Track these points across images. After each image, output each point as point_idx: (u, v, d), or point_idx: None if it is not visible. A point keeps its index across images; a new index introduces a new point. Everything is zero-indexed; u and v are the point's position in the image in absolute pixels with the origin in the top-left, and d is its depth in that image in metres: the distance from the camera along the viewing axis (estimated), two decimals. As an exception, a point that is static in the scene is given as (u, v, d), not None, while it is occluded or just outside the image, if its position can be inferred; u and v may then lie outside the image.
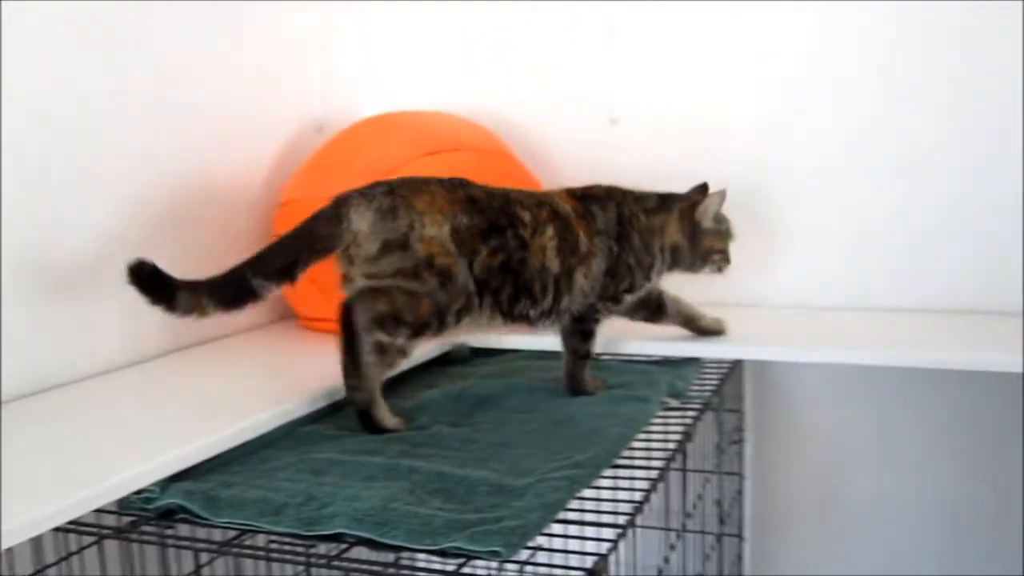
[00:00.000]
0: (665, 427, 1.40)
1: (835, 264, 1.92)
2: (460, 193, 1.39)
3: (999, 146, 1.81)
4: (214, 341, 1.76)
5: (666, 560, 1.44)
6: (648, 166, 1.95)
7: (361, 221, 1.32)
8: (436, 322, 1.34)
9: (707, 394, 1.54)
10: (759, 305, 1.95)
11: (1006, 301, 1.82)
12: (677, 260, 1.57)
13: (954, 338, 1.68)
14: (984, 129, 1.81)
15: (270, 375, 1.59)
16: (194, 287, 1.29)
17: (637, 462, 1.25)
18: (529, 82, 2.08)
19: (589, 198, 1.50)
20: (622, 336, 1.65)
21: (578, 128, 2.05)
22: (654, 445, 1.33)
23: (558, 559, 0.99)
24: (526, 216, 1.42)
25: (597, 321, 1.51)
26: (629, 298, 1.54)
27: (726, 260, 1.60)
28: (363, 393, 1.32)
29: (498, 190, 1.45)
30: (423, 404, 1.44)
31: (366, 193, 1.34)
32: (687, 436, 1.36)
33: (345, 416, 1.40)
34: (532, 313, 1.44)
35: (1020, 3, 1.76)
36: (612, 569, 0.99)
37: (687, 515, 1.51)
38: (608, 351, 1.67)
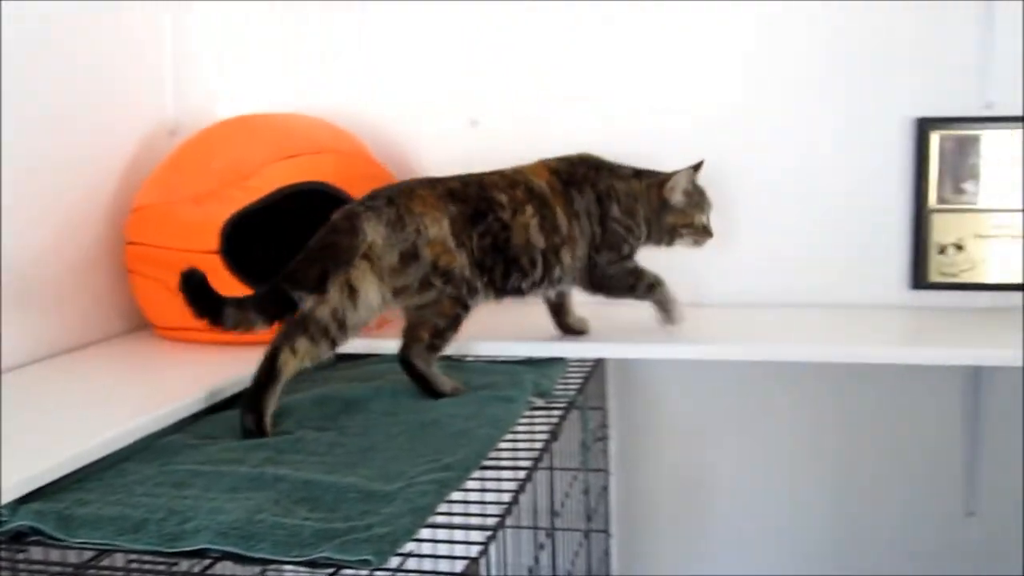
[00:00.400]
0: (531, 426, 1.41)
1: (720, 260, 1.94)
2: (440, 188, 1.50)
3: (881, 157, 1.89)
4: (67, 353, 1.69)
5: (536, 560, 1.45)
6: (506, 163, 1.96)
7: (374, 233, 1.41)
8: (462, 310, 1.49)
9: (572, 393, 1.56)
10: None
11: (881, 295, 1.90)
12: (650, 234, 1.67)
13: (820, 331, 1.73)
14: (870, 139, 1.89)
15: (127, 386, 1.54)
16: (240, 303, 1.35)
17: (505, 463, 1.25)
18: (387, 83, 2.06)
19: (568, 182, 1.61)
20: (487, 337, 1.65)
21: (438, 129, 2.04)
22: (521, 445, 1.33)
23: (429, 564, 0.98)
24: (503, 198, 1.53)
25: (626, 273, 1.65)
26: (635, 258, 1.66)
27: (703, 233, 1.67)
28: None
29: (471, 178, 1.55)
30: (287, 409, 1.41)
31: (371, 206, 1.44)
32: (553, 435, 1.37)
33: (207, 424, 1.36)
34: (524, 285, 1.56)
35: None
36: (483, 571, 0.99)
37: (555, 514, 1.52)
38: (472, 352, 1.67)
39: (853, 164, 1.89)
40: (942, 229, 1.87)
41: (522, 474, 1.21)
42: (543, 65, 1.99)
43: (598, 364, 1.77)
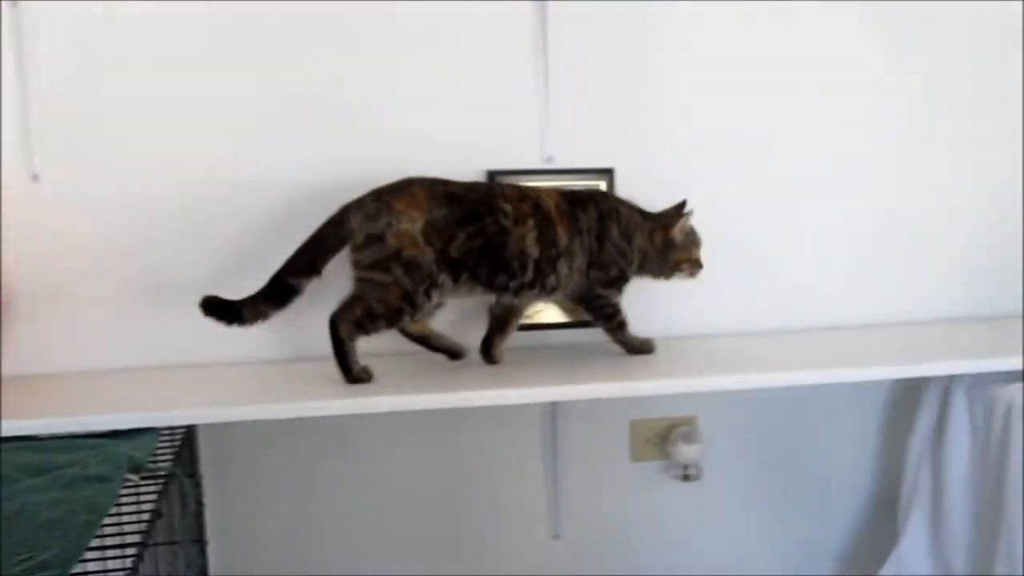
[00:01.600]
0: (128, 504, 1.31)
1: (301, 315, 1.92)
2: (440, 189, 1.72)
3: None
4: None
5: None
6: (74, 226, 1.85)
7: (355, 222, 1.68)
8: (407, 305, 1.68)
9: (167, 463, 1.47)
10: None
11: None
12: (644, 266, 1.85)
13: (404, 378, 1.74)
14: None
15: None
16: (253, 300, 1.66)
17: (102, 547, 1.16)
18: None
19: (575, 201, 1.80)
20: (64, 411, 1.52)
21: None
22: (110, 530, 1.23)
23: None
24: (507, 207, 1.73)
25: (610, 304, 1.83)
26: (624, 285, 1.84)
27: (698, 266, 1.87)
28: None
29: (483, 184, 1.82)
30: None
31: (361, 201, 1.70)
32: (157, 513, 1.28)
33: None
34: (512, 284, 1.74)
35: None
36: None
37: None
38: (50, 430, 1.52)
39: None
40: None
41: (129, 563, 1.12)
42: (110, 112, 1.87)
43: (190, 431, 1.68)
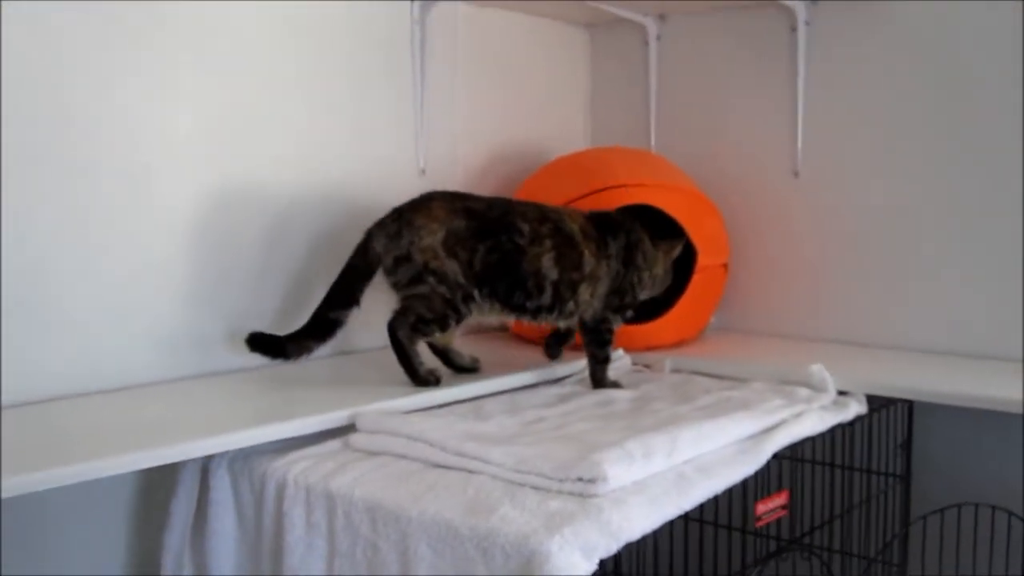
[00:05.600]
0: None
1: None
2: (459, 204, 1.79)
3: None
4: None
5: None
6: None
7: (380, 245, 1.77)
8: (451, 311, 1.77)
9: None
10: None
11: None
12: (654, 287, 1.96)
13: None
14: None
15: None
16: (296, 336, 1.77)
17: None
18: None
19: (604, 226, 1.87)
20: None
21: None
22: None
23: None
24: (525, 227, 1.79)
25: (610, 330, 1.89)
26: (630, 312, 1.93)
27: None
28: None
29: (501, 202, 1.85)
30: None
31: (382, 223, 1.79)
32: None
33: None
34: (529, 305, 1.82)
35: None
36: None
37: None
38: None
39: None
40: None
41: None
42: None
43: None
